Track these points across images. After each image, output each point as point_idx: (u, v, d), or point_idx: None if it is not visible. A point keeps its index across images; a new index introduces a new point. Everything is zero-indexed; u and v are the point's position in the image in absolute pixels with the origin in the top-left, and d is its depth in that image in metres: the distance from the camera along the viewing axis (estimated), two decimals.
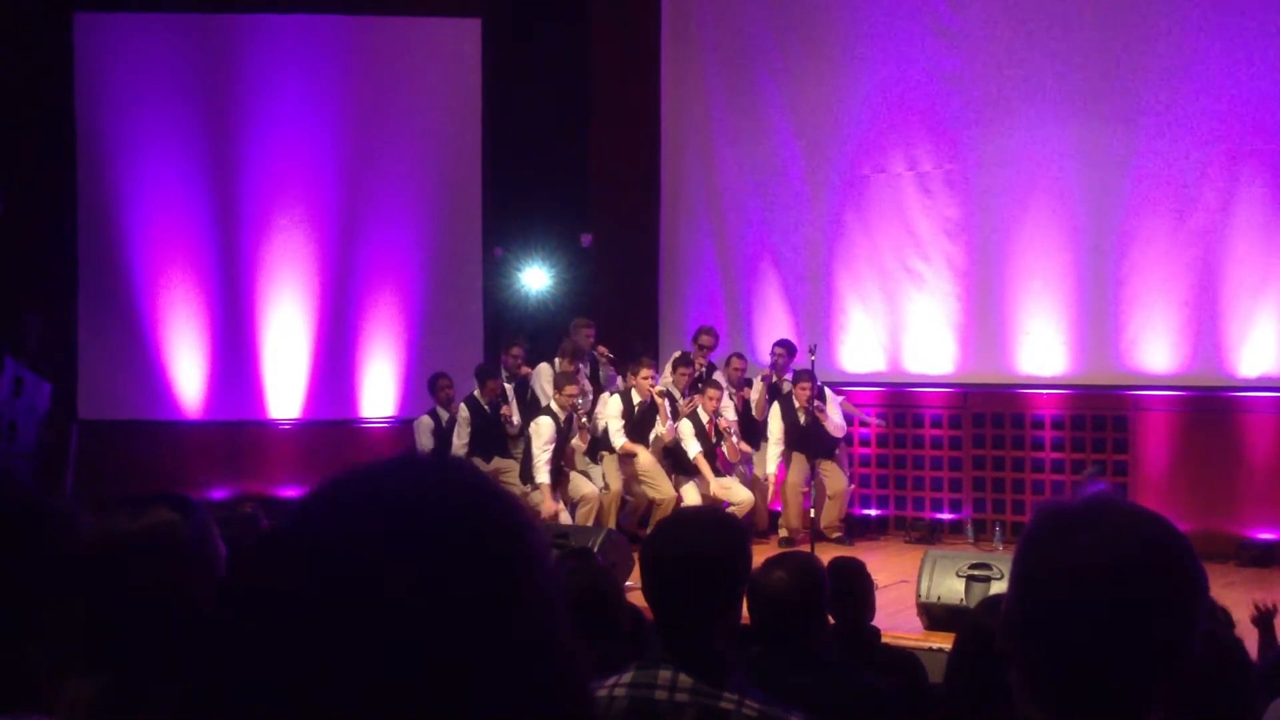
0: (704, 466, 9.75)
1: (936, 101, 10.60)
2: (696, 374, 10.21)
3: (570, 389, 9.42)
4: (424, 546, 0.86)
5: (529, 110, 11.86)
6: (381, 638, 0.82)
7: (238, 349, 11.58)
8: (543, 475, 9.18)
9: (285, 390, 11.61)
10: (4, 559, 1.60)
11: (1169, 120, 9.75)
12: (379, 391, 11.69)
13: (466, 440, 9.86)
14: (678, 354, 10.44)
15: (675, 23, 11.80)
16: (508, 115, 11.91)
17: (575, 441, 9.66)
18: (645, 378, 9.72)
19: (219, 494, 10.74)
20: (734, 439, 9.83)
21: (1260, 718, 2.85)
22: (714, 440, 9.80)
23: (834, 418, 9.91)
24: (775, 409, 10.07)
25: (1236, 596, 6.74)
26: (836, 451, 10.11)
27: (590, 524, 9.26)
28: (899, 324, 10.84)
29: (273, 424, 11.58)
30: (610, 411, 9.84)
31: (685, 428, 9.83)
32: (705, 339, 10.57)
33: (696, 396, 9.88)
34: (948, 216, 10.61)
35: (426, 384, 10.53)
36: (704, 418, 9.84)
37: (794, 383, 9.96)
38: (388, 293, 11.68)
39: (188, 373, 11.55)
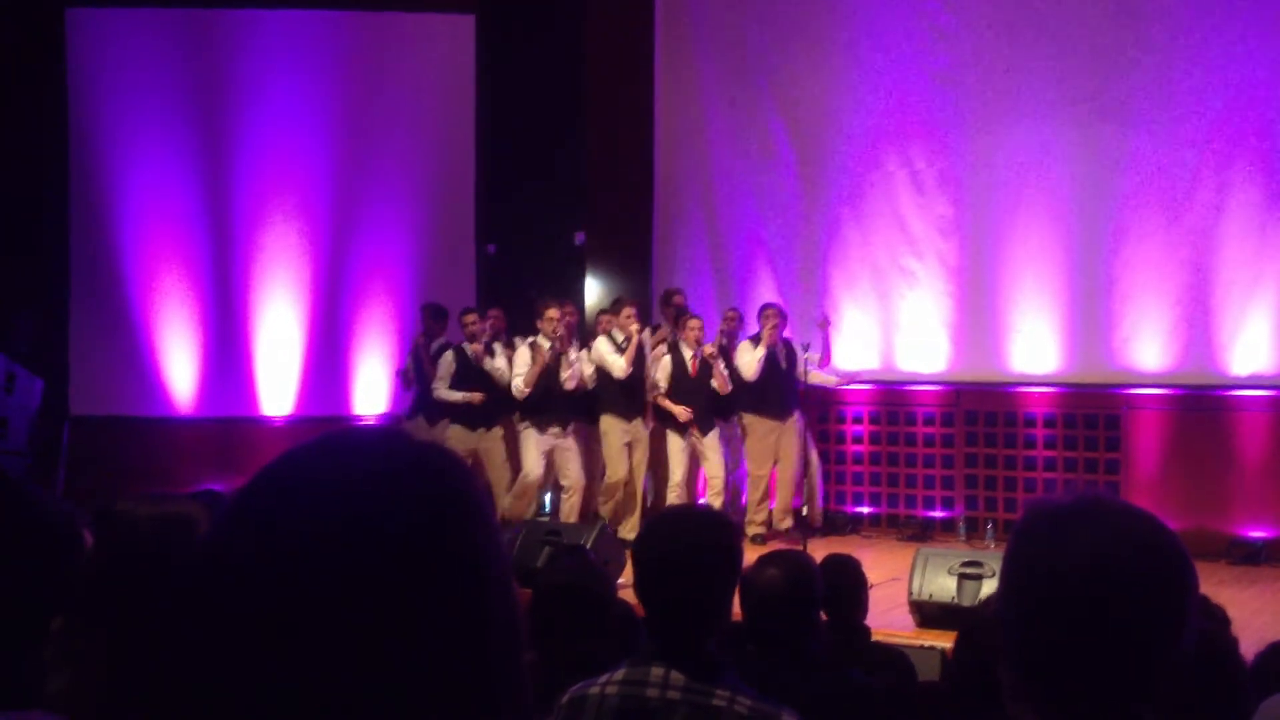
0: (666, 405, 9.76)
1: (930, 100, 10.61)
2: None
3: (551, 312, 9.39)
4: (350, 532, 0.86)
5: (523, 107, 11.84)
6: (314, 625, 0.83)
7: (230, 345, 11.56)
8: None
9: (278, 387, 11.60)
10: (4, 556, 1.59)
11: (1162, 120, 9.77)
12: (371, 388, 11.68)
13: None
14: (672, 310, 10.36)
15: (669, 19, 11.80)
16: (501, 112, 11.90)
17: (564, 377, 9.53)
18: (629, 316, 9.71)
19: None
20: (721, 366, 9.80)
21: (1252, 716, 2.85)
22: (700, 371, 9.78)
23: (725, 372, 9.82)
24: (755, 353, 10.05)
25: (1228, 595, 6.76)
26: (796, 421, 10.07)
27: (574, 517, 9.28)
28: (892, 322, 10.85)
29: (265, 420, 11.56)
30: (602, 349, 9.76)
31: (664, 364, 9.84)
32: (731, 314, 10.59)
33: (685, 332, 9.88)
34: (941, 214, 10.62)
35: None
36: (687, 353, 9.84)
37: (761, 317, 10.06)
38: (380, 289, 11.67)
39: (180, 369, 11.53)
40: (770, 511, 10.12)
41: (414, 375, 10.29)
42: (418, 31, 11.83)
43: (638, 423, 9.83)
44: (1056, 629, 1.39)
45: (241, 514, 0.89)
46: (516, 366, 9.49)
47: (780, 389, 9.96)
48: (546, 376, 9.43)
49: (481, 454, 9.85)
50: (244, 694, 0.83)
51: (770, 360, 9.95)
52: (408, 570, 0.86)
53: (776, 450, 9.99)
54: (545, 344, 9.48)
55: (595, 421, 9.88)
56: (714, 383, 9.79)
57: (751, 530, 9.98)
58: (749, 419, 10.13)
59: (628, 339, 9.68)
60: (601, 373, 9.74)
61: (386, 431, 0.94)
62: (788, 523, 10.15)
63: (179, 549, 1.79)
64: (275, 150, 11.58)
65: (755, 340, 10.06)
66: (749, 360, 9.95)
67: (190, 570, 0.89)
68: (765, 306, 10.16)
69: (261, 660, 0.83)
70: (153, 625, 0.87)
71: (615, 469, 9.72)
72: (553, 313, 9.46)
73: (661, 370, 9.84)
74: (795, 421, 10.09)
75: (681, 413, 9.71)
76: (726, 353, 10.07)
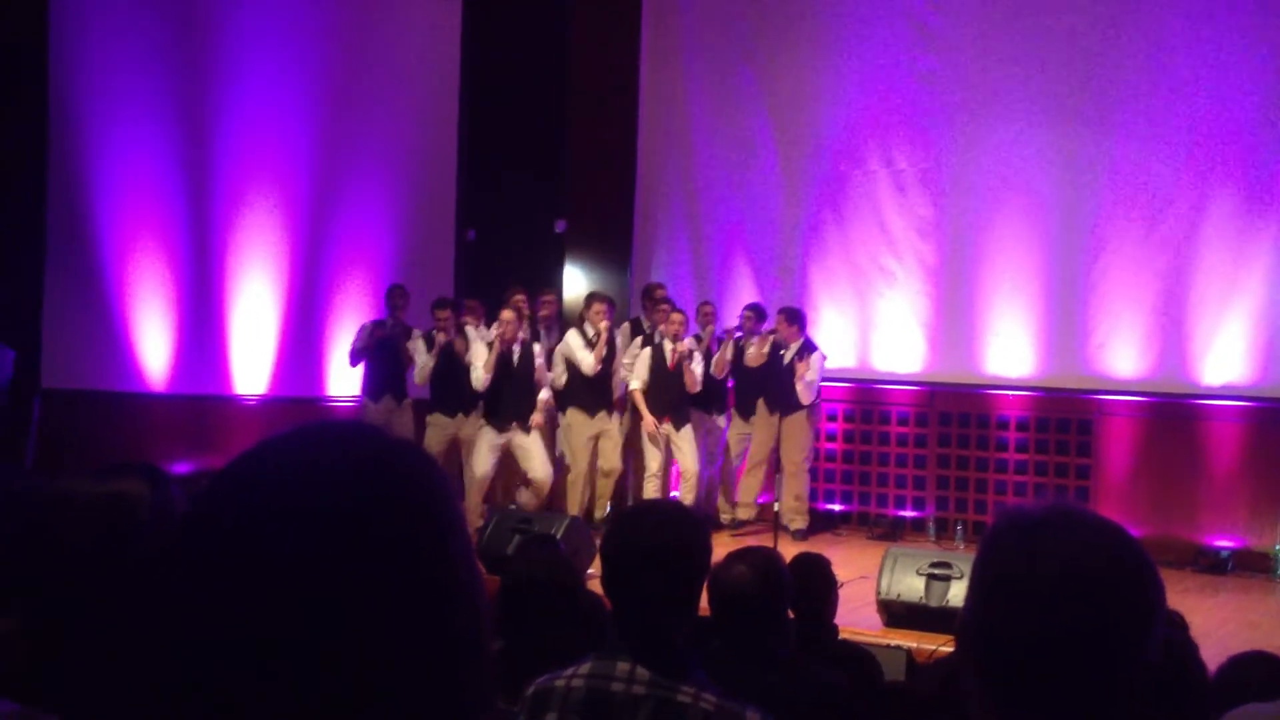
0: (641, 408, 9.78)
1: (914, 100, 10.62)
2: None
3: (505, 314, 9.37)
4: (326, 524, 0.87)
5: (507, 93, 11.81)
6: (280, 614, 0.84)
7: (205, 322, 11.49)
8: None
9: (252, 365, 11.54)
10: None
11: (1143, 128, 9.81)
12: (346, 370, 11.62)
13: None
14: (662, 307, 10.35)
15: (657, 10, 11.79)
16: (485, 97, 11.86)
17: (542, 398, 9.53)
18: (598, 312, 9.72)
19: (182, 468, 10.68)
20: (694, 367, 9.80)
21: None
22: (679, 365, 9.77)
23: (696, 371, 9.83)
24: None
25: (1193, 603, 6.82)
26: (804, 413, 10.04)
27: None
28: (869, 321, 10.87)
29: (238, 399, 11.51)
30: (573, 344, 9.75)
31: (643, 357, 9.85)
32: (707, 308, 10.55)
33: (664, 325, 9.89)
34: (921, 215, 10.64)
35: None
36: (668, 347, 9.84)
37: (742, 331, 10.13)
38: (359, 271, 11.62)
39: (154, 345, 11.45)
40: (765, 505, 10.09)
41: (369, 354, 10.15)
42: (404, 12, 11.78)
43: (603, 415, 9.83)
44: (1024, 635, 1.40)
45: (214, 503, 0.90)
46: (475, 359, 9.48)
47: (783, 386, 9.94)
48: (503, 373, 9.37)
49: (461, 440, 9.82)
50: (211, 676, 0.84)
51: (773, 356, 9.99)
52: (375, 560, 0.87)
53: (777, 440, 9.95)
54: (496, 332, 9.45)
55: (561, 412, 9.90)
56: (686, 379, 9.80)
57: (743, 513, 10.10)
58: (760, 407, 10.13)
59: (597, 334, 9.69)
60: (570, 367, 9.76)
61: (358, 425, 0.95)
62: (798, 523, 10.05)
63: (124, 529, 1.78)
64: (256, 126, 11.51)
65: (740, 340, 10.13)
66: (754, 355, 10.00)
67: (158, 556, 0.89)
68: (780, 309, 10.20)
69: (229, 645, 0.84)
70: (105, 608, 0.88)
71: (578, 462, 9.75)
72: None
73: (641, 363, 9.84)
74: (799, 416, 10.05)
75: (649, 424, 9.73)
76: (713, 349, 10.14)
